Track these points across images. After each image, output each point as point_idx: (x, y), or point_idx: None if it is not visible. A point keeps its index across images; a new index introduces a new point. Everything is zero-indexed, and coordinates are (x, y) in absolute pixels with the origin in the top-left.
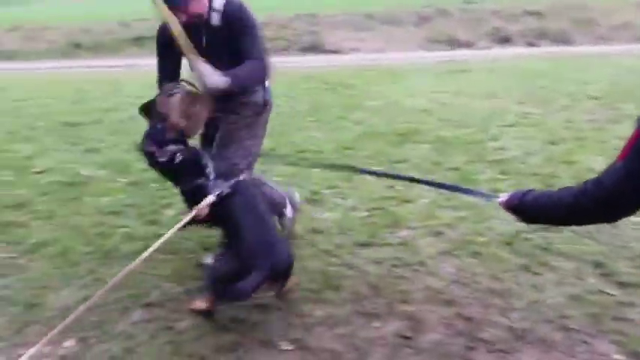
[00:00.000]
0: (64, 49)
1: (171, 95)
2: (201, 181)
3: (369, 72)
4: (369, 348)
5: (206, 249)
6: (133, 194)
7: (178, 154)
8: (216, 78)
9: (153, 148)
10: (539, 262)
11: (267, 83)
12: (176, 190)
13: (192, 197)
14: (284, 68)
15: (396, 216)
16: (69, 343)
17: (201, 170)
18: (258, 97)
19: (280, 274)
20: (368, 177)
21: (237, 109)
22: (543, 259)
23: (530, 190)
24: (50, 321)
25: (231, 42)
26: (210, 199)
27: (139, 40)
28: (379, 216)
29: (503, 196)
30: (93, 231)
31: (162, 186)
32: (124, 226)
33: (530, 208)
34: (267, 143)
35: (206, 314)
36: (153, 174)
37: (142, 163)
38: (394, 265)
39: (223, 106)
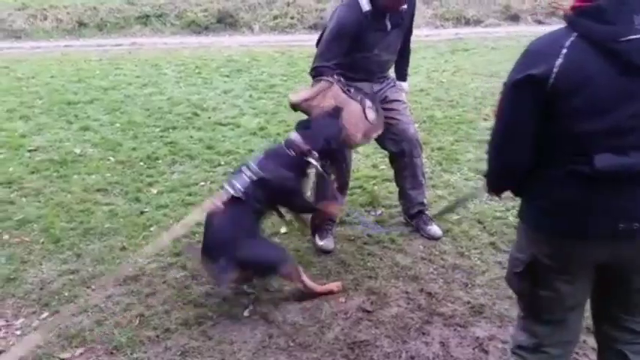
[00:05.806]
0: (70, 28)
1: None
2: None
3: None
4: (330, 321)
5: None
6: (120, 172)
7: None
8: None
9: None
10: (509, 239)
11: None
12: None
13: None
14: None
15: (373, 195)
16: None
17: None
18: None
19: None
20: None
21: None
22: (512, 237)
23: None
24: (27, 294)
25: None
26: None
27: (143, 19)
28: (359, 195)
29: None
30: (77, 208)
31: (150, 164)
32: (107, 204)
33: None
34: None
35: None
36: (142, 153)
37: (131, 142)
38: (365, 243)
39: None
